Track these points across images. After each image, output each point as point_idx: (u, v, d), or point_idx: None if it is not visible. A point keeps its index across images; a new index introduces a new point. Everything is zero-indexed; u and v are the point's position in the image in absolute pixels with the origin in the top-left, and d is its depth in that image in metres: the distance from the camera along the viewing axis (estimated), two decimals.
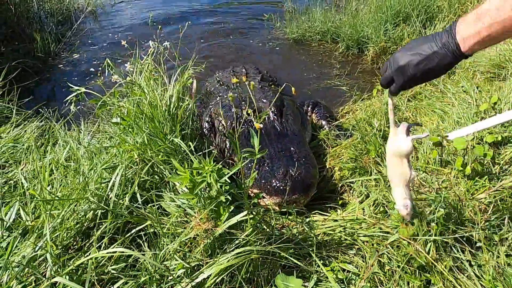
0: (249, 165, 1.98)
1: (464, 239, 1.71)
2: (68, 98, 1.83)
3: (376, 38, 4.43)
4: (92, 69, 4.69)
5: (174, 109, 1.87)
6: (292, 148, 2.19)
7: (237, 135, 1.36)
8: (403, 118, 2.98)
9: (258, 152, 1.30)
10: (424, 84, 3.42)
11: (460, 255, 1.64)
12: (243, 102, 2.56)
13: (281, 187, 1.86)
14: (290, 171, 1.92)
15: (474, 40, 1.14)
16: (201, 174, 1.27)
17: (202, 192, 1.32)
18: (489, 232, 1.76)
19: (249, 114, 2.27)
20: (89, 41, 5.51)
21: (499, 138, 2.35)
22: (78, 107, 2.30)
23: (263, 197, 1.90)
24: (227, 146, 2.36)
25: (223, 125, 2.45)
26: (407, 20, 4.45)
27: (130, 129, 1.77)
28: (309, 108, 3.29)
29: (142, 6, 6.90)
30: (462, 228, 1.68)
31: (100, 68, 4.55)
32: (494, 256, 1.62)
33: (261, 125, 2.25)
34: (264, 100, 2.66)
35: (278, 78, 4.16)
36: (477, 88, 3.04)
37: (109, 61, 1.99)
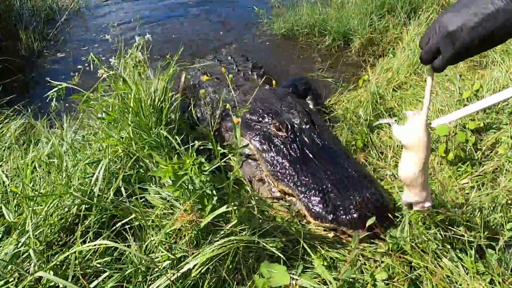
0: (307, 197, 1.77)
1: (447, 223, 1.74)
2: (48, 93, 1.81)
3: (362, 30, 4.46)
4: (77, 67, 4.62)
5: (159, 102, 1.86)
6: (346, 164, 1.91)
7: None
8: (388, 108, 3.01)
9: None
10: (408, 74, 3.49)
11: (443, 238, 1.67)
12: (265, 116, 2.25)
13: (360, 216, 1.64)
14: (367, 195, 1.70)
15: None
16: (183, 167, 1.27)
17: (186, 185, 1.32)
18: (471, 215, 1.80)
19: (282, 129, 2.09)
20: (74, 40, 5.43)
21: (481, 125, 2.39)
22: (63, 103, 2.28)
23: (341, 228, 1.68)
24: (265, 175, 2.07)
25: (255, 145, 2.14)
26: (391, 12, 4.48)
27: (114, 124, 1.76)
28: (302, 88, 3.16)
29: (130, 5, 6.82)
30: (444, 212, 1.71)
31: (85, 66, 4.54)
32: (476, 238, 1.66)
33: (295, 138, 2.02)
34: (286, 109, 2.30)
35: (267, 72, 4.16)
36: (460, 76, 3.09)
37: (93, 56, 1.96)
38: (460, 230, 1.65)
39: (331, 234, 1.68)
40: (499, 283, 1.47)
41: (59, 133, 2.02)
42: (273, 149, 2.03)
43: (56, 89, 1.81)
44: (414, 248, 1.61)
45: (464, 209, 1.80)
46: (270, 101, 2.41)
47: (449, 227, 1.68)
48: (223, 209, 1.36)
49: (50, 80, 1.96)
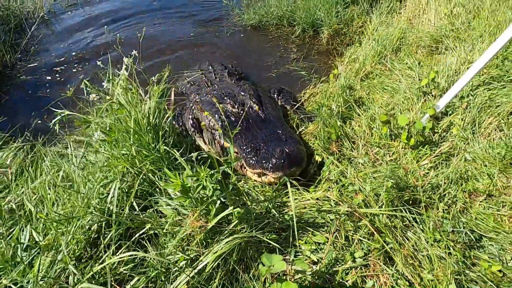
0: (247, 150, 2.36)
1: (410, 201, 2.08)
2: (52, 122, 1.97)
3: (329, 20, 4.69)
4: (52, 77, 4.64)
5: (154, 120, 2.06)
6: (279, 131, 2.55)
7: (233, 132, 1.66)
8: (358, 97, 3.30)
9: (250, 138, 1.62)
10: (374, 63, 3.79)
11: (411, 215, 2.01)
12: (225, 98, 2.88)
13: (281, 164, 2.21)
14: (285, 149, 2.27)
15: None
16: (197, 179, 1.51)
17: (194, 194, 1.56)
18: (430, 193, 2.15)
19: (234, 107, 2.76)
20: (45, 48, 5.39)
21: (440, 112, 2.73)
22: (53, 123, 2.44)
23: (265, 174, 2.28)
24: (217, 138, 2.69)
25: (211, 120, 2.74)
26: (355, 1, 4.73)
27: (115, 144, 1.96)
28: (275, 95, 3.55)
29: (95, 9, 6.72)
30: (407, 193, 2.04)
31: (58, 76, 4.58)
32: (434, 212, 2.01)
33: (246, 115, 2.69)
34: (243, 93, 2.96)
35: (240, 66, 4.36)
36: (419, 64, 3.42)
37: (86, 82, 2.12)
38: (421, 208, 1.99)
39: (264, 178, 2.32)
40: (452, 247, 1.83)
41: (66, 157, 2.20)
42: (227, 120, 2.69)
43: (58, 118, 1.97)
44: (386, 225, 1.95)
45: (424, 188, 2.15)
46: (232, 89, 3.10)
47: (413, 206, 2.03)
48: (226, 212, 1.62)
49: (52, 108, 2.11)
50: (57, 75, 4.67)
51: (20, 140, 2.85)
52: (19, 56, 5.12)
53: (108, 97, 2.02)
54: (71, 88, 2.16)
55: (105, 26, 5.59)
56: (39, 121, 3.66)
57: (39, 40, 5.58)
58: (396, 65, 3.54)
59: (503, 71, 2.88)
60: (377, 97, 3.26)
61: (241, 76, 3.96)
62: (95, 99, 2.14)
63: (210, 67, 3.89)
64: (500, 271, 1.76)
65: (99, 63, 2.36)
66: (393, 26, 4.11)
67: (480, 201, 2.16)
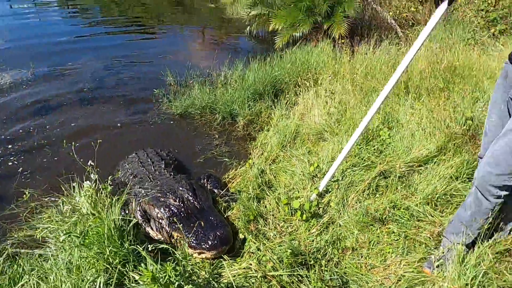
0: (189, 235, 3.18)
1: (303, 262, 3.09)
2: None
3: (243, 112, 5.93)
4: None
5: (120, 224, 2.78)
6: (211, 218, 3.41)
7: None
8: (268, 180, 4.39)
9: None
10: (278, 150, 5.00)
11: (303, 272, 3.00)
12: (167, 194, 3.65)
13: (215, 244, 3.05)
14: (217, 233, 3.14)
15: None
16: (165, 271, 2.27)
17: (161, 282, 2.30)
18: (316, 254, 3.20)
19: (176, 201, 3.58)
20: None
21: (322, 191, 3.91)
22: None
23: (203, 253, 3.09)
24: (164, 226, 3.43)
25: (158, 212, 3.49)
26: (262, 97, 6.10)
27: (89, 246, 2.61)
28: (205, 180, 4.46)
29: (15, 98, 7.04)
30: (300, 257, 3.05)
31: None
32: (317, 271, 3.04)
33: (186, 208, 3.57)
34: (181, 188, 3.76)
35: (171, 153, 5.17)
36: (308, 152, 4.71)
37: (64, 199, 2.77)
38: (312, 269, 3.01)
39: (202, 256, 3.14)
40: None
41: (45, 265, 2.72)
42: (171, 212, 3.52)
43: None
44: (287, 282, 2.90)
45: (312, 251, 3.19)
46: (172, 185, 3.88)
47: (305, 265, 3.03)
48: None
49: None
50: None
51: None
52: None
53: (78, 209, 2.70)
54: None
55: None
56: None
57: None
58: (294, 152, 4.78)
59: (359, 159, 4.27)
60: (282, 179, 4.39)
61: (175, 164, 4.79)
62: (68, 210, 2.80)
63: (149, 159, 4.63)
64: None
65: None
66: (291, 119, 5.48)
67: (348, 255, 3.28)
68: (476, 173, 2.69)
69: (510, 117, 2.77)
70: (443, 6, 2.31)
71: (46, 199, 4.06)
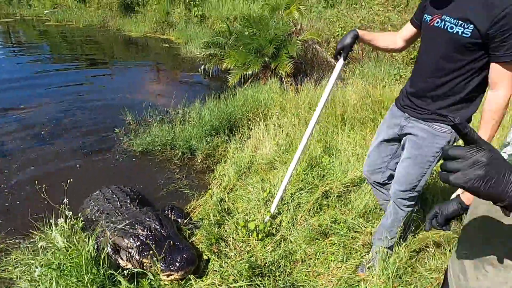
0: (157, 261, 3.53)
1: (260, 274, 3.59)
2: None
3: (201, 147, 6.45)
4: None
5: (95, 255, 3.12)
6: (177, 243, 3.79)
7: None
8: (227, 207, 4.89)
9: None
10: (235, 179, 5.55)
11: (260, 282, 3.49)
12: (136, 225, 3.97)
13: (182, 265, 3.45)
14: (184, 255, 3.53)
15: None
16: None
17: None
18: (271, 267, 3.72)
19: (144, 230, 3.95)
20: None
21: (275, 212, 4.49)
22: None
23: (172, 274, 3.46)
24: (134, 255, 3.76)
25: (128, 242, 3.81)
26: (218, 134, 6.70)
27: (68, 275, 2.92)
28: (169, 211, 4.85)
29: None
30: (257, 270, 3.56)
31: None
32: (272, 280, 3.55)
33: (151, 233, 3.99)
34: (148, 219, 4.11)
35: (135, 188, 5.49)
36: (261, 180, 5.32)
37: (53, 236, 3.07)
38: (267, 279, 3.52)
39: (171, 277, 3.55)
40: None
41: None
42: (140, 241, 3.87)
43: None
44: None
45: (267, 264, 3.71)
46: (139, 216, 4.24)
47: (262, 277, 3.54)
48: None
49: None
50: None
51: None
52: None
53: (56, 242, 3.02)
54: None
55: None
56: None
57: None
58: (249, 181, 5.36)
59: (305, 183, 4.96)
60: (239, 205, 4.92)
61: (140, 198, 5.14)
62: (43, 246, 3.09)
63: (114, 195, 4.95)
64: None
65: None
66: (245, 151, 6.10)
67: (298, 265, 3.84)
68: (390, 190, 3.45)
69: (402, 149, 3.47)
70: (340, 61, 2.87)
71: (11, 241, 4.24)
